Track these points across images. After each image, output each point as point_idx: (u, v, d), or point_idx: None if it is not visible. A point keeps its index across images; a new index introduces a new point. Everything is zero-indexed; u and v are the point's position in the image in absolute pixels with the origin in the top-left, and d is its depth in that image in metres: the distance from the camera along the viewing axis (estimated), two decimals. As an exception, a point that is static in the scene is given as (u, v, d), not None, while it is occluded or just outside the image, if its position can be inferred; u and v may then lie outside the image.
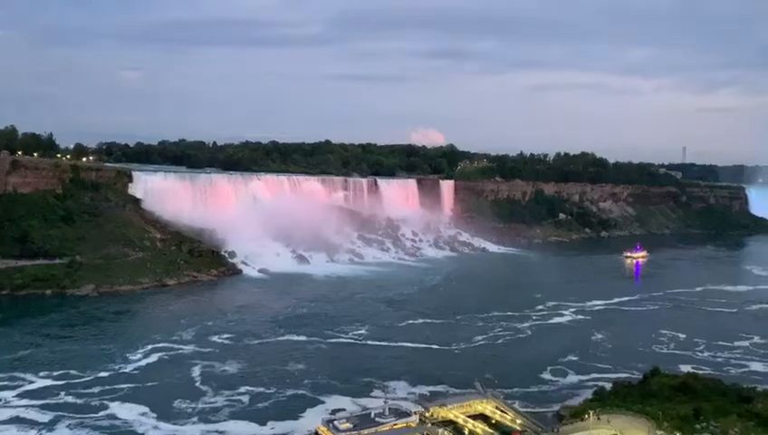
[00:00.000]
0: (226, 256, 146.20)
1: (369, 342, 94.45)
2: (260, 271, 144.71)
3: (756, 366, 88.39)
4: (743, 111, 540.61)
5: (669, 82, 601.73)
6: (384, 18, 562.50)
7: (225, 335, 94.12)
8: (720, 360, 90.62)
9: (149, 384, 74.86)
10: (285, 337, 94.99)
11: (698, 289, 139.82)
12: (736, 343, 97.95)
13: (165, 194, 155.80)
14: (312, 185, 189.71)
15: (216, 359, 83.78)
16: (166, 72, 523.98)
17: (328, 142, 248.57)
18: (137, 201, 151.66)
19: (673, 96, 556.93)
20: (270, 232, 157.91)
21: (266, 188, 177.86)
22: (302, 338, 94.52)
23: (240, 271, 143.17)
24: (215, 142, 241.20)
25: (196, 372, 79.20)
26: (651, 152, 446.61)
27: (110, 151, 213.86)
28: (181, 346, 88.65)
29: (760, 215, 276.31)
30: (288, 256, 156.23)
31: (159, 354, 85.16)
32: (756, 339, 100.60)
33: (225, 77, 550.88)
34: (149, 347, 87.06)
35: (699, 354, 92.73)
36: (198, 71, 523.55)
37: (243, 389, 73.86)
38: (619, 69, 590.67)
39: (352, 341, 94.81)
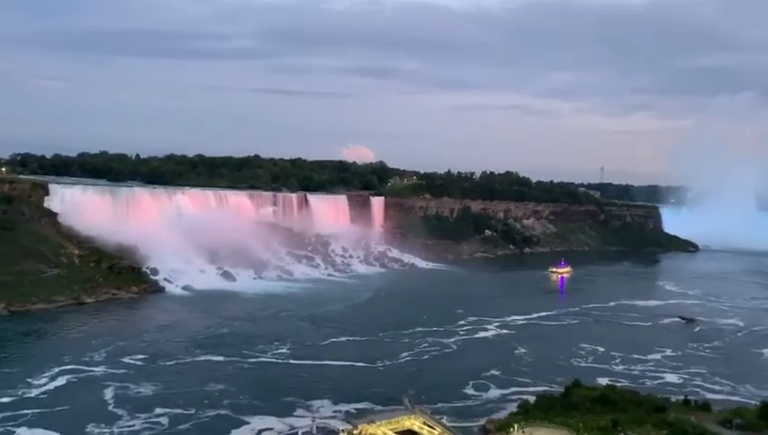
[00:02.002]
0: (148, 272, 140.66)
1: (292, 361, 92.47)
2: (184, 288, 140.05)
3: (669, 377, 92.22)
4: (655, 134, 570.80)
5: (587, 106, 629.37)
6: (314, 35, 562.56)
7: (140, 356, 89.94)
8: (636, 372, 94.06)
9: (58, 409, 70.42)
10: (204, 357, 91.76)
11: (616, 304, 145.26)
12: (650, 356, 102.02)
13: (83, 208, 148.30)
14: (239, 200, 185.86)
15: (129, 381, 79.86)
16: (89, 83, 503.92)
17: (257, 157, 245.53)
18: (53, 215, 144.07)
19: (591, 119, 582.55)
20: (195, 248, 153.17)
21: (191, 203, 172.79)
22: (222, 358, 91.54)
23: (163, 288, 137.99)
24: (138, 155, 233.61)
25: (108, 394, 75.18)
26: (571, 172, 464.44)
27: (25, 163, 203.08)
28: (92, 368, 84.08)
29: (672, 233, 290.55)
30: (213, 273, 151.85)
31: (68, 377, 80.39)
32: (668, 352, 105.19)
33: (151, 88, 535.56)
34: (57, 369, 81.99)
35: (616, 367, 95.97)
36: (124, 81, 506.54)
37: (160, 411, 70.57)
38: (540, 92, 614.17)
39: (275, 360, 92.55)
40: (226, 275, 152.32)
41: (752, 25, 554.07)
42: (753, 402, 76.00)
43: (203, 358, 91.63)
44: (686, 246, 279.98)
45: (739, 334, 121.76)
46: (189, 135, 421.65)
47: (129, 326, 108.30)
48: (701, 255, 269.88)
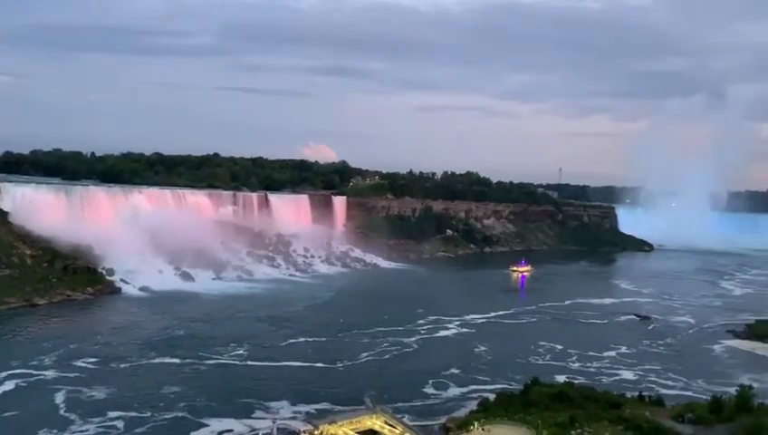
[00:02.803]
0: (104, 273, 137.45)
1: (251, 362, 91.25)
2: (141, 289, 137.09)
3: (625, 374, 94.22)
4: (612, 136, 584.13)
5: (546, 107, 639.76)
6: (277, 33, 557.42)
7: (93, 359, 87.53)
8: (593, 369, 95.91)
9: (7, 414, 68.04)
10: (160, 359, 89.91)
11: (573, 302, 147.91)
12: (606, 353, 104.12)
13: (36, 207, 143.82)
14: (198, 199, 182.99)
15: (82, 384, 77.63)
16: (43, 79, 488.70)
17: (216, 155, 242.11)
18: (4, 214, 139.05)
19: (550, 120, 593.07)
20: (152, 248, 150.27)
21: (149, 202, 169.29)
22: (178, 360, 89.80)
23: (119, 289, 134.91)
24: (93, 153, 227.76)
25: (59, 399, 73.03)
26: (530, 173, 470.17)
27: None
28: (42, 372, 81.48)
29: (628, 233, 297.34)
30: (171, 274, 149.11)
31: (17, 381, 77.75)
32: (624, 349, 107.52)
33: (107, 85, 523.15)
34: (4, 374, 79.19)
35: (573, 364, 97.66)
36: (79, 78, 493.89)
37: (114, 414, 68.90)
38: (500, 93, 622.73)
39: (232, 361, 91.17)
40: (185, 276, 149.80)
41: (703, 31, 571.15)
42: (704, 397, 78.12)
43: (158, 360, 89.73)
44: (641, 246, 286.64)
45: (690, 331, 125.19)
46: (147, 133, 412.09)
47: (82, 328, 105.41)
48: (655, 254, 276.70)
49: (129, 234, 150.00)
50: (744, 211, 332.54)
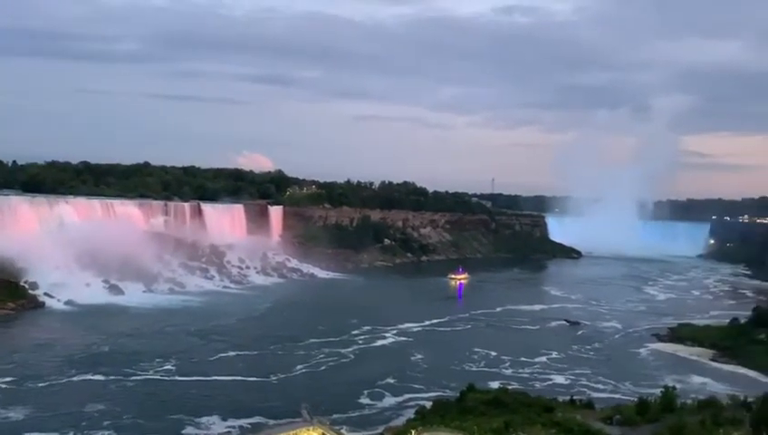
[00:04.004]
0: (27, 287, 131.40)
1: (179, 377, 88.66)
2: (66, 303, 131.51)
3: (557, 379, 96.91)
4: (541, 147, 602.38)
5: (479, 119, 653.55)
6: (210, 40, 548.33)
7: (8, 378, 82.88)
8: (525, 375, 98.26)
9: None
10: (83, 377, 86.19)
11: (506, 309, 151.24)
12: (538, 359, 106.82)
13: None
14: (128, 209, 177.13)
15: (-5, 405, 73.46)
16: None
17: (147, 164, 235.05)
18: None
19: (482, 132, 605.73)
20: (79, 260, 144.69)
21: (75, 213, 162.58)
22: (102, 377, 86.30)
23: (42, 304, 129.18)
24: (14, 161, 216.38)
25: (-28, 422, 68.91)
26: (465, 182, 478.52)
27: None
28: (-47, 394, 76.76)
29: (557, 240, 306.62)
30: (99, 287, 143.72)
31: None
32: (555, 354, 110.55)
33: (30, 90, 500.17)
34: None
35: (507, 370, 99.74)
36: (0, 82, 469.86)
37: (35, 436, 65.65)
38: (434, 104, 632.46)
39: (160, 377, 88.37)
40: (114, 289, 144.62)
41: (627, 47, 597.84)
42: (631, 399, 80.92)
43: (81, 378, 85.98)
44: (570, 253, 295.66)
45: (617, 336, 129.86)
46: (74, 141, 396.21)
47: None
48: (584, 261, 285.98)
49: (55, 246, 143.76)
50: (666, 219, 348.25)
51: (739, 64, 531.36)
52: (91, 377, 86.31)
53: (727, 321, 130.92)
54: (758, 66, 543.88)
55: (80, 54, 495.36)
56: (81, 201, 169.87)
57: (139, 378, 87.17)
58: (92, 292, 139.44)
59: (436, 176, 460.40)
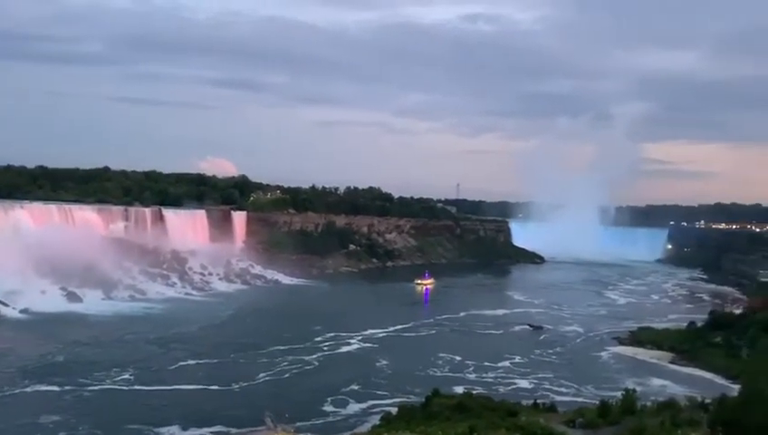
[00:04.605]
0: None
1: (138, 387, 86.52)
2: (21, 312, 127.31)
3: (520, 383, 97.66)
4: (504, 154, 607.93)
5: (442, 125, 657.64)
6: (173, 44, 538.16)
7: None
8: (489, 379, 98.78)
9: None
10: (36, 388, 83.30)
11: (470, 313, 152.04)
12: (501, 363, 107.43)
13: None
14: (86, 214, 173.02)
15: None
16: None
17: (107, 169, 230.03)
18: None
19: (446, 138, 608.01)
20: (35, 267, 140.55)
21: (31, 218, 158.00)
22: (57, 388, 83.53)
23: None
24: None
25: None
26: (430, 188, 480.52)
27: None
28: None
29: (520, 246, 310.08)
30: (56, 294, 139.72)
31: None
32: (518, 358, 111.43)
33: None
34: None
35: (471, 375, 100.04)
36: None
37: (-13, 450, 63.54)
38: (398, 110, 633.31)
39: (117, 387, 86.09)
40: (71, 297, 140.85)
41: (588, 56, 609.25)
42: (593, 402, 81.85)
43: (34, 388, 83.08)
44: (533, 258, 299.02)
45: (579, 340, 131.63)
46: (30, 145, 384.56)
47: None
48: (546, 266, 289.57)
49: (9, 252, 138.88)
50: (626, 225, 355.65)
51: (695, 74, 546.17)
52: (46, 387, 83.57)
53: (685, 324, 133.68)
54: (714, 76, 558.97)
55: (38, 55, 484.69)
56: (38, 206, 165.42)
57: (96, 388, 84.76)
58: (49, 299, 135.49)
59: (401, 181, 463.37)
